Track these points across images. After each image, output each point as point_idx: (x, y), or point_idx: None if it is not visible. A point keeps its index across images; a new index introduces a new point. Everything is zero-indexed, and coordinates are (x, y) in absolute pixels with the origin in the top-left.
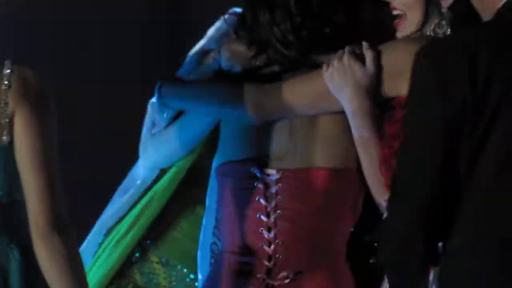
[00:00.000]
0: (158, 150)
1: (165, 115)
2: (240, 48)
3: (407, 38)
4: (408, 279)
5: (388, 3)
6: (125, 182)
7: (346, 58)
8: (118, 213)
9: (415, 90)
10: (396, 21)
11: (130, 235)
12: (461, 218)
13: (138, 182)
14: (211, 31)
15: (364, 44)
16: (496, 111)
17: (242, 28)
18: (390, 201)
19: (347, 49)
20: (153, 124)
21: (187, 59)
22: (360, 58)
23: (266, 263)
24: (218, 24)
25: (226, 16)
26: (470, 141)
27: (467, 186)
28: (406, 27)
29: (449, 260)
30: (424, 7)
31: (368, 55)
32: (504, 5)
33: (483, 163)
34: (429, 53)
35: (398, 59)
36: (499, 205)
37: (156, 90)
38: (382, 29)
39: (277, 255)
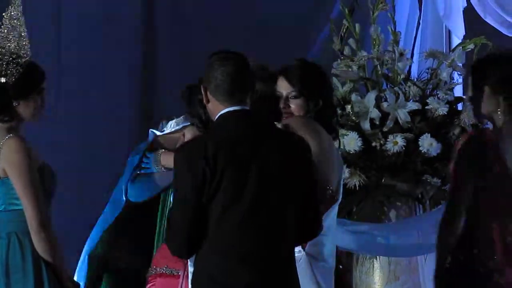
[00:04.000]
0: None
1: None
2: None
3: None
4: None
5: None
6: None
7: None
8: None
9: (177, 171)
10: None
11: None
12: (206, 236)
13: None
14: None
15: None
16: (221, 175)
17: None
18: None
19: None
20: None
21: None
22: None
23: None
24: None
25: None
26: (209, 192)
27: (210, 215)
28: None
29: (202, 261)
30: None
31: (279, 126)
32: (219, 116)
33: (213, 206)
34: (183, 150)
35: (291, 126)
36: (222, 233)
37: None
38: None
39: None
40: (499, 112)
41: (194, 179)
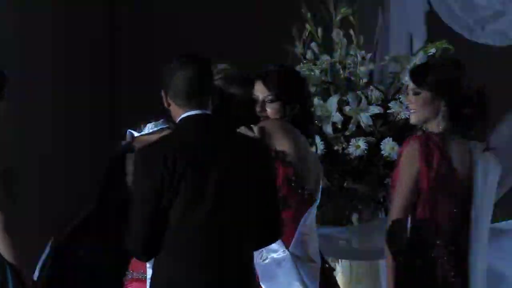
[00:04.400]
0: None
1: None
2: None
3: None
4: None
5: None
6: None
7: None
8: None
9: (136, 173)
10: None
11: None
12: (165, 240)
13: None
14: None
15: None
16: (179, 179)
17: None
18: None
19: (242, 128)
20: None
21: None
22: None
23: None
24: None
25: None
26: (168, 196)
27: (170, 219)
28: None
29: (160, 267)
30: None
31: (255, 128)
32: (181, 119)
33: (173, 209)
34: (142, 153)
35: (267, 128)
36: (182, 237)
37: None
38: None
39: None
40: (439, 117)
41: (153, 183)
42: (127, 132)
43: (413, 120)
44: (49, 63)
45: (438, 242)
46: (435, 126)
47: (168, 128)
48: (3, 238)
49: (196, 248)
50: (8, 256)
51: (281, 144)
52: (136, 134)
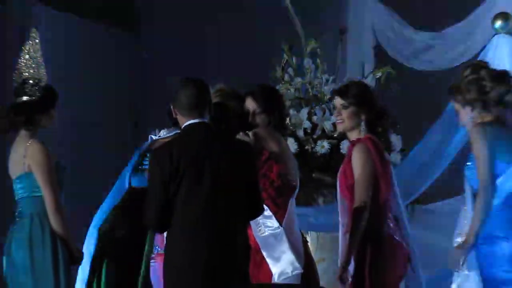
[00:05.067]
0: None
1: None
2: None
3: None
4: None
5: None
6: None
7: (241, 135)
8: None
9: (150, 168)
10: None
11: None
12: (174, 222)
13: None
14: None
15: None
16: (183, 174)
17: None
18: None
19: (241, 134)
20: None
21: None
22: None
23: None
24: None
25: None
26: (173, 187)
27: (174, 204)
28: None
29: (171, 242)
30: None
31: (250, 135)
32: (185, 126)
33: (178, 196)
34: (155, 153)
35: (260, 135)
36: (185, 216)
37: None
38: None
39: None
40: (361, 127)
41: (162, 176)
42: (149, 137)
43: (340, 128)
44: (95, 81)
45: (385, 216)
46: (357, 135)
47: (178, 133)
48: (55, 215)
49: (198, 225)
50: (59, 229)
51: (273, 147)
52: (155, 137)
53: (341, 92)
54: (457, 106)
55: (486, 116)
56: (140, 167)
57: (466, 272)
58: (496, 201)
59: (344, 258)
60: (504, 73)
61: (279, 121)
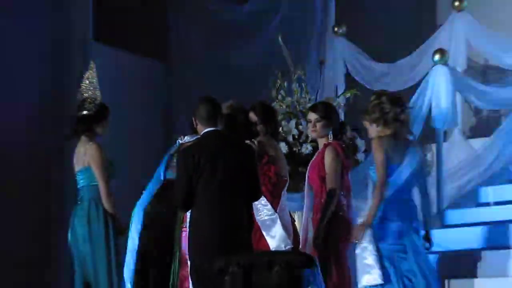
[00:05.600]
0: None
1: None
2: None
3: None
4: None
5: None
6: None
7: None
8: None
9: (178, 163)
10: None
11: None
12: (196, 203)
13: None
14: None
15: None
16: (202, 169)
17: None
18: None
19: (248, 141)
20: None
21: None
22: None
23: None
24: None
25: None
26: (195, 178)
27: (196, 190)
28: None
29: (194, 218)
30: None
31: (256, 142)
32: (203, 133)
33: (199, 184)
34: (181, 154)
35: (263, 142)
36: (204, 201)
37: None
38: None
39: None
40: (329, 136)
41: (186, 170)
42: (177, 141)
43: (313, 136)
44: (139, 101)
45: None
46: (325, 140)
47: (197, 138)
48: (106, 199)
49: (213, 205)
50: (109, 209)
51: (271, 152)
52: (181, 141)
53: (315, 109)
54: (366, 124)
55: (386, 131)
56: (170, 164)
57: (365, 244)
58: (388, 193)
59: (318, 230)
60: (399, 97)
61: (274, 129)
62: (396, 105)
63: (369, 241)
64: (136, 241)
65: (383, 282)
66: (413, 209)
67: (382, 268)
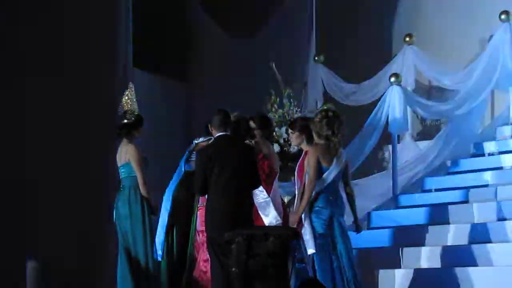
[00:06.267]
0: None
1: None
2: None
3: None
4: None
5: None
6: (176, 172)
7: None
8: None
9: (197, 160)
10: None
11: None
12: (210, 189)
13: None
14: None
15: None
16: (214, 163)
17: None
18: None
19: (248, 142)
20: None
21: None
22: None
23: None
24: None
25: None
26: (209, 170)
27: (210, 179)
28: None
29: (209, 201)
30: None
31: (256, 144)
32: (216, 136)
33: (212, 175)
34: (199, 152)
35: (261, 144)
36: (216, 188)
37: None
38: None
39: None
40: (304, 142)
41: (202, 164)
42: (193, 142)
43: (292, 144)
44: (165, 113)
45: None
46: (304, 146)
47: (209, 139)
48: (143, 186)
49: (224, 191)
50: (145, 194)
51: (265, 150)
52: (196, 142)
53: (291, 125)
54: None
55: (321, 141)
56: (189, 159)
57: (305, 226)
58: (320, 188)
59: (299, 211)
60: (338, 117)
61: (268, 134)
62: (335, 123)
63: (307, 224)
64: (166, 218)
65: (314, 251)
66: (340, 200)
67: (315, 242)
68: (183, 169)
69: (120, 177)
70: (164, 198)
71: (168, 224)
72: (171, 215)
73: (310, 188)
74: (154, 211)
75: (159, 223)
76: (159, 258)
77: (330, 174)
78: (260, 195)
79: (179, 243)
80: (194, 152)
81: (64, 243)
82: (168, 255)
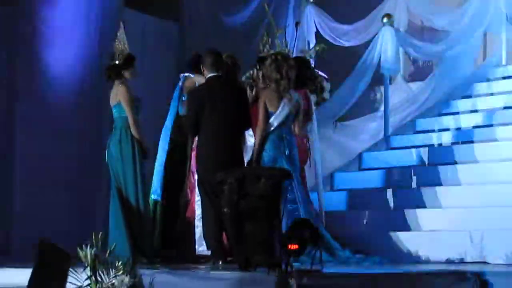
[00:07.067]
0: None
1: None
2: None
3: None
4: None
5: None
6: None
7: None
8: None
9: (188, 100)
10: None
11: None
12: (201, 130)
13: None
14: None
15: None
16: (205, 104)
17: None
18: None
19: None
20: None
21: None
22: None
23: None
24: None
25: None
26: (200, 111)
27: (201, 120)
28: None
29: (200, 142)
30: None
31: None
32: (208, 77)
33: (203, 116)
34: (191, 93)
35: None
36: (207, 127)
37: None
38: None
39: None
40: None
41: (194, 104)
42: (180, 76)
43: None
44: (159, 55)
45: None
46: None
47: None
48: (133, 127)
49: (214, 132)
50: (136, 135)
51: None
52: (184, 75)
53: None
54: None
55: (271, 84)
56: (182, 99)
57: None
58: (266, 132)
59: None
60: (285, 59)
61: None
62: (283, 67)
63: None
64: (163, 158)
65: None
66: (288, 142)
67: None
68: (176, 109)
69: (113, 117)
70: (161, 137)
71: (166, 163)
72: (168, 154)
73: (258, 133)
74: (145, 152)
75: (157, 162)
76: (159, 198)
77: (276, 119)
78: (250, 139)
79: (175, 183)
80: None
81: None
82: (164, 195)
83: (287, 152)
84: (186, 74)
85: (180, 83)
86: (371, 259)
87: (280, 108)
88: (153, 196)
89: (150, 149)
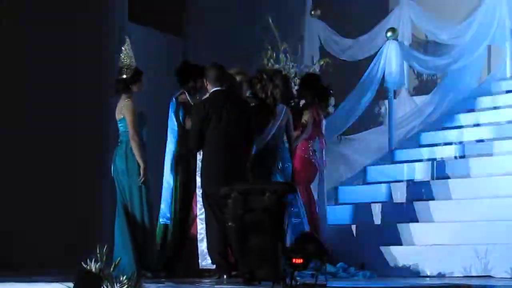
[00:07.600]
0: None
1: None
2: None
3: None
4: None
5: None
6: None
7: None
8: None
9: (193, 112)
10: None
11: None
12: (205, 144)
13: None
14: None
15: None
16: (210, 118)
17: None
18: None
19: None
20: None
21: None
22: None
23: None
24: None
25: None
26: (205, 125)
27: (206, 134)
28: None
29: (204, 156)
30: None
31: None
32: (212, 91)
33: (208, 130)
34: (195, 106)
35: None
36: (212, 141)
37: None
38: None
39: None
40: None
41: (199, 117)
42: (172, 98)
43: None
44: (160, 68)
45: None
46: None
47: (183, 92)
48: (133, 139)
49: (218, 146)
50: (134, 148)
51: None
52: (175, 97)
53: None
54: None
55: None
56: (178, 111)
57: None
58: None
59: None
60: (278, 73)
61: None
62: (269, 88)
63: None
64: (171, 182)
65: None
66: (280, 155)
67: None
68: (176, 127)
69: (119, 132)
70: (166, 158)
71: (174, 185)
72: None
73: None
74: (140, 172)
75: (164, 185)
76: (168, 222)
77: (270, 131)
78: None
79: (183, 204)
80: (181, 107)
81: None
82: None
83: (279, 166)
84: (177, 94)
85: (174, 99)
86: (362, 273)
87: (270, 124)
88: (161, 220)
89: (152, 163)
